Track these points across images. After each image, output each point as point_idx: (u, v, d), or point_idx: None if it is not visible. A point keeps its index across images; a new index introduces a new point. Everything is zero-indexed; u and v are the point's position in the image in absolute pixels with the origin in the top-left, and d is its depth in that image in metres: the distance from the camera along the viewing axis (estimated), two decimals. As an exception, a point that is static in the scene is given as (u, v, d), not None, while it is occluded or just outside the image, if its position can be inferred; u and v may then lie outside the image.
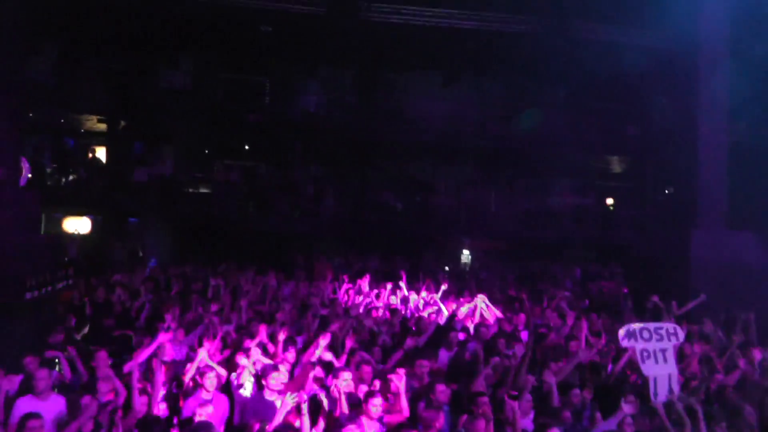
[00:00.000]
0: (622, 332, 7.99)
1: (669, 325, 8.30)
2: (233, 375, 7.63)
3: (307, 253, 21.18)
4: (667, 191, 23.86)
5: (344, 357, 8.43)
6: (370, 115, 24.23)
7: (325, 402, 6.57)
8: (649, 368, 7.85)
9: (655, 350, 7.95)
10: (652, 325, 8.16)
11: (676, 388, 7.88)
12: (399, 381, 6.90)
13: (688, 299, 12.06)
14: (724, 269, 14.08)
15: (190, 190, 22.54)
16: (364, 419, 6.45)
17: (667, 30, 16.57)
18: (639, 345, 7.92)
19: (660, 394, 7.73)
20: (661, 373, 7.88)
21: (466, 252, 25.08)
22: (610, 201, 26.02)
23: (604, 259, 22.96)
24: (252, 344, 8.29)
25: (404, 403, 6.88)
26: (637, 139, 24.50)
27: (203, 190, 22.67)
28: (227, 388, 7.55)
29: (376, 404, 6.60)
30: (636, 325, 8.09)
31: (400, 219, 22.96)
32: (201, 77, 24.41)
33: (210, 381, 7.10)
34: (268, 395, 7.07)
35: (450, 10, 18.15)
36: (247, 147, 25.29)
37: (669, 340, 8.09)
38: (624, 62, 18.19)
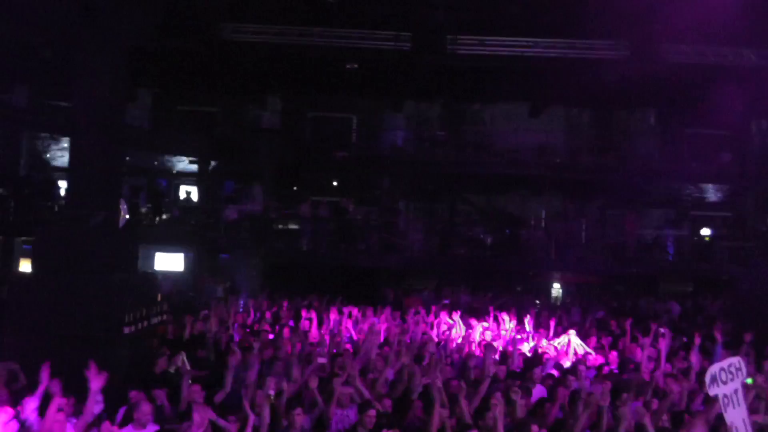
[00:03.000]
0: (708, 378, 7.33)
1: (735, 360, 7.32)
2: None
3: (397, 287, 21.14)
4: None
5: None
6: (457, 147, 24.18)
7: None
8: (731, 415, 6.97)
9: (732, 393, 7.08)
10: (725, 363, 7.20)
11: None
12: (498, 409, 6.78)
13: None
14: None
15: (280, 227, 22.91)
16: None
17: (762, 49, 15.95)
18: (721, 390, 7.02)
19: None
20: (742, 417, 7.07)
21: (557, 286, 24.53)
22: (705, 231, 24.93)
23: (702, 294, 22.02)
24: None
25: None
26: (735, 165, 23.54)
27: (292, 226, 23.01)
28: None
29: None
30: (715, 368, 7.17)
31: (489, 252, 22.65)
32: (289, 116, 25.00)
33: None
34: None
35: (535, 39, 18.02)
36: (335, 183, 25.61)
37: (738, 377, 7.18)
38: (717, 84, 17.49)
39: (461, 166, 23.35)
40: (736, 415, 7.03)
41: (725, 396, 7.03)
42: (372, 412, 7.15)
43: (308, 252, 21.43)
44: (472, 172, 23.30)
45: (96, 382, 6.60)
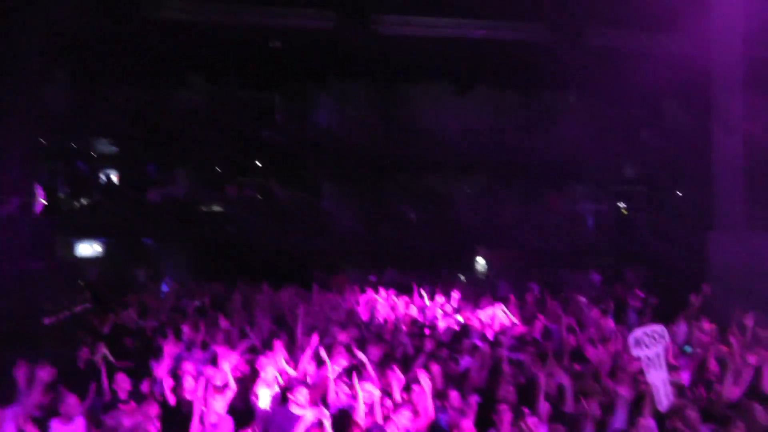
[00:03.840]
0: (631, 340, 7.81)
1: (658, 327, 8.06)
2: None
3: (325, 268, 21.12)
4: (680, 193, 23.81)
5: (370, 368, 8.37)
6: (384, 128, 24.22)
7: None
8: (653, 376, 7.65)
9: (655, 356, 7.76)
10: (649, 329, 7.93)
11: (670, 393, 7.70)
12: (424, 381, 6.85)
13: (706, 302, 11.96)
14: (743, 271, 13.92)
15: (204, 209, 22.59)
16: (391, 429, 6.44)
17: (681, 35, 16.50)
18: (644, 352, 7.72)
19: (663, 401, 7.59)
20: (662, 379, 7.72)
21: (482, 262, 24.98)
22: (622, 205, 25.85)
23: (623, 265, 22.77)
24: (274, 357, 8.30)
25: (430, 404, 6.82)
26: (652, 142, 24.34)
27: (217, 209, 22.71)
28: (246, 401, 7.56)
29: (405, 416, 6.60)
30: (639, 332, 7.87)
31: (416, 231, 22.86)
32: (212, 97, 24.53)
33: (219, 403, 7.06)
34: (294, 409, 7.02)
35: (460, 20, 18.13)
36: (260, 164, 25.36)
37: (660, 343, 7.89)
38: (638, 68, 18.08)
39: (388, 147, 23.42)
40: (657, 376, 7.61)
41: (648, 358, 7.66)
42: (299, 390, 7.16)
43: (235, 235, 21.20)
44: (398, 152, 23.41)
45: (43, 373, 6.51)
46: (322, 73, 23.91)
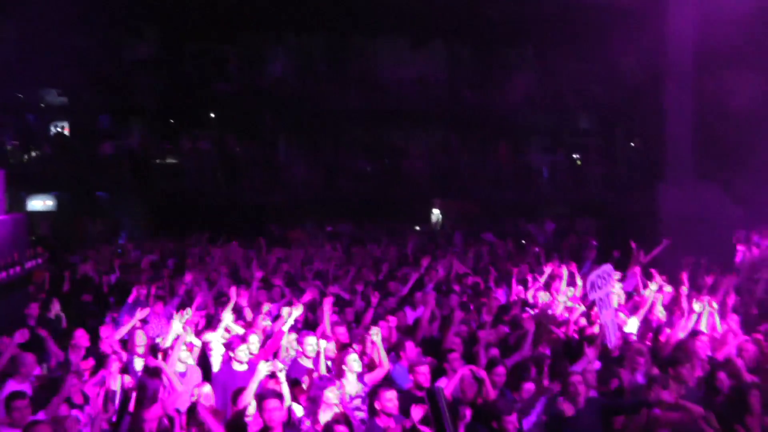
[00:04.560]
0: (587, 285, 8.04)
1: (608, 266, 8.33)
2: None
3: (281, 222, 21.12)
4: (633, 145, 24.18)
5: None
6: (340, 81, 24.01)
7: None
8: (604, 315, 7.89)
9: (605, 295, 8.04)
10: (600, 270, 8.17)
11: (618, 331, 8.01)
12: (376, 335, 6.91)
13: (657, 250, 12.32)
14: (691, 220, 14.32)
15: (158, 162, 22.29)
16: (344, 379, 6.51)
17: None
18: (597, 295, 7.96)
19: (612, 338, 7.85)
20: (611, 318, 7.98)
21: (437, 213, 25.20)
22: (576, 156, 26.18)
23: (577, 216, 23.18)
24: (224, 314, 8.31)
25: (383, 357, 6.92)
26: (606, 97, 24.58)
27: (171, 161, 22.42)
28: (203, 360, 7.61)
29: (354, 360, 6.64)
30: (593, 275, 8.10)
31: (372, 184, 22.91)
32: (166, 48, 23.99)
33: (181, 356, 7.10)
34: (236, 366, 7.06)
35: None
36: (214, 116, 25.02)
37: (609, 282, 8.18)
38: (591, 23, 18.18)
39: (343, 100, 23.28)
40: (608, 314, 7.91)
41: (600, 300, 7.94)
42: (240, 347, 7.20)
43: (191, 189, 21.01)
44: (354, 105, 23.30)
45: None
46: (278, 25, 23.53)
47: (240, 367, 7.01)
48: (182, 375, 6.93)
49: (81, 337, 7.74)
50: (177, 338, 7.10)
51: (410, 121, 24.64)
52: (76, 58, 21.72)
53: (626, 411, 6.26)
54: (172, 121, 24.57)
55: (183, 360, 7.07)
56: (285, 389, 6.06)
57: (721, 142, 19.33)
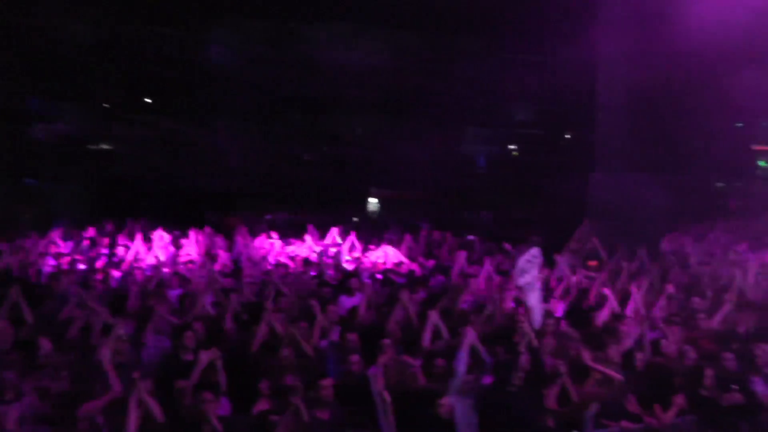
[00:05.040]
0: (517, 271, 8.26)
1: (535, 250, 8.57)
2: None
3: (219, 208, 20.93)
4: (567, 136, 24.73)
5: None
6: (280, 66, 23.85)
7: None
8: (531, 298, 8.16)
9: (532, 278, 8.30)
10: (528, 254, 8.43)
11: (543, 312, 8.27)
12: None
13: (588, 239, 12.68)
14: (620, 209, 14.75)
15: (92, 147, 21.83)
16: None
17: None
18: (524, 279, 8.19)
19: (538, 319, 8.08)
20: (537, 298, 8.23)
21: (375, 201, 25.30)
22: (513, 147, 26.63)
23: (513, 205, 23.57)
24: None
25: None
26: (544, 88, 25.04)
27: (106, 147, 21.99)
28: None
29: None
30: (522, 261, 8.32)
31: (311, 171, 22.89)
32: (103, 28, 23.42)
33: None
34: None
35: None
36: (151, 101, 24.59)
37: (536, 264, 8.46)
38: (530, 14, 18.48)
39: (283, 85, 23.15)
40: (534, 297, 8.22)
41: (527, 284, 8.20)
42: (189, 334, 7.25)
43: (125, 175, 20.65)
44: (294, 91, 23.20)
45: None
46: (219, 9, 23.23)
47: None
48: None
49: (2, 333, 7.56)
50: None
51: (350, 108, 24.65)
52: (5, 36, 21.10)
53: None
54: (106, 105, 24.04)
55: None
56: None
57: (656, 134, 19.89)
